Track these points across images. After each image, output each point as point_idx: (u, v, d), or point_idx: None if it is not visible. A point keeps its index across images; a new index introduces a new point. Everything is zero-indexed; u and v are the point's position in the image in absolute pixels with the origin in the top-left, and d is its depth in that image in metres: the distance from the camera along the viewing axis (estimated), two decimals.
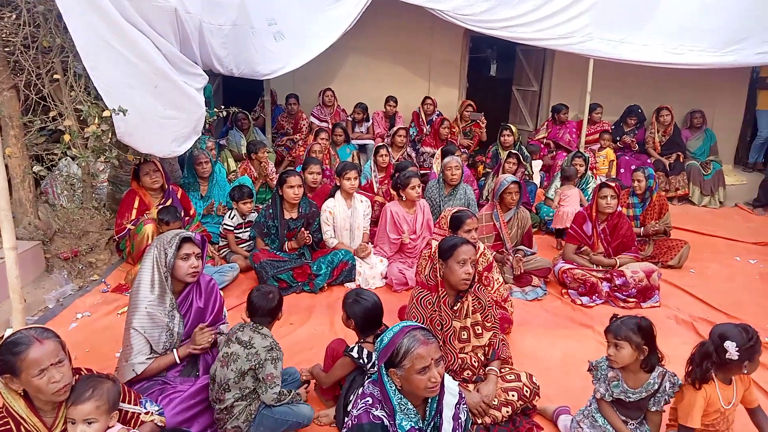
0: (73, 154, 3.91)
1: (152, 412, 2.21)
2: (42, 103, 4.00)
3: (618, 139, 7.63)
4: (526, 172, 6.64)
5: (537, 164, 7.28)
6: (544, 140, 7.86)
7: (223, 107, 5.11)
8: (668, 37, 6.47)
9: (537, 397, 2.90)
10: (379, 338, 2.17)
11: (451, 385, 2.23)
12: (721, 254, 5.39)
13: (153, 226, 4.22)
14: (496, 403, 2.73)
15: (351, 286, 4.47)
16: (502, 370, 2.91)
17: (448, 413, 2.15)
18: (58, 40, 3.88)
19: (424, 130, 7.76)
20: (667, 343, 2.87)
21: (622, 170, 7.20)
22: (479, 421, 2.69)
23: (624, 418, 2.53)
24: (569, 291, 4.42)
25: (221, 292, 3.99)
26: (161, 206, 4.38)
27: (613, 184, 4.44)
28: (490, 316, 3.00)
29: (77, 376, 2.05)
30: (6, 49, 3.89)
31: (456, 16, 6.37)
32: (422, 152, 7.25)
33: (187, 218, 4.67)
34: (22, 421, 1.95)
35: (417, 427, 2.08)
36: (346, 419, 2.13)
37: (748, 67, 7.43)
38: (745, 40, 6.49)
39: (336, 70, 8.46)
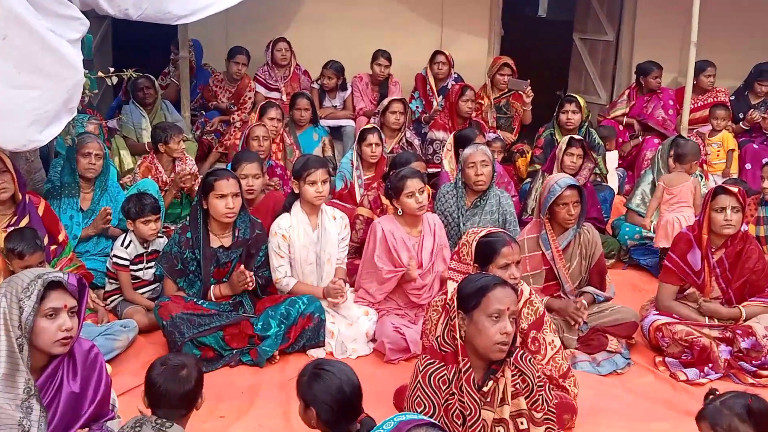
0: None
1: None
2: None
3: (742, 116, 7.72)
4: (597, 170, 6.69)
5: (613, 157, 7.34)
6: (625, 119, 7.94)
7: (112, 70, 5.11)
8: None
9: None
10: None
11: None
12: None
13: None
14: None
15: (318, 354, 4.44)
16: None
17: None
18: None
19: (435, 103, 7.80)
20: None
21: (747, 165, 7.28)
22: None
23: None
24: (667, 359, 4.40)
25: (108, 367, 3.96)
26: (11, 228, 4.34)
27: (734, 189, 4.47)
28: (540, 401, 2.98)
29: None
30: None
31: None
32: (431, 138, 7.30)
33: (53, 247, 4.64)
34: None
35: None
36: None
37: None
38: None
39: (293, 9, 8.52)
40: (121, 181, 5.97)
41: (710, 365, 4.29)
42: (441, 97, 7.72)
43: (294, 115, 7.18)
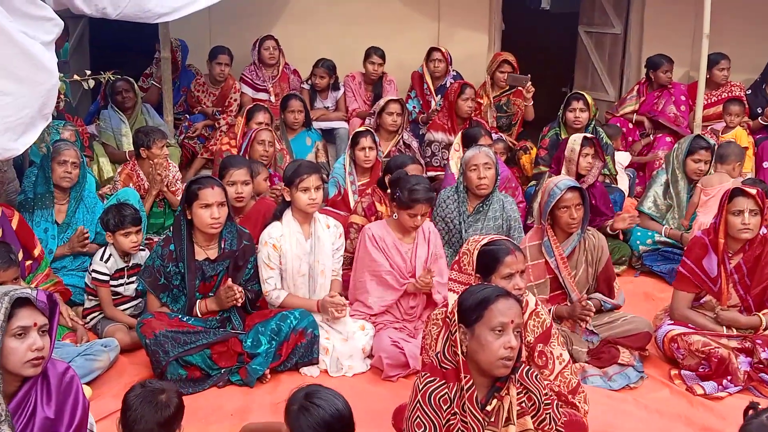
0: None
1: None
2: None
3: (760, 111, 7.71)
4: (606, 170, 6.69)
5: (623, 157, 7.35)
6: (635, 116, 7.94)
7: (89, 73, 5.09)
8: None
9: None
10: None
11: None
12: None
13: None
14: None
15: (311, 372, 4.44)
16: None
17: None
18: None
19: (432, 103, 7.80)
20: None
21: (765, 164, 7.28)
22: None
23: None
24: (683, 372, 4.39)
25: (88, 390, 3.95)
26: None
27: (752, 190, 4.47)
28: (548, 420, 2.97)
29: None
30: None
31: None
32: (429, 140, 7.30)
33: (29, 262, 4.63)
34: None
35: None
36: None
37: None
38: None
39: (280, 5, 8.52)
40: (100, 191, 5.96)
41: (729, 378, 4.26)
42: (439, 96, 7.72)
43: (287, 118, 7.17)
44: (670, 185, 6.08)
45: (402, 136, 7.13)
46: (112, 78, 5.30)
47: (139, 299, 4.86)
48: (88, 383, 4.07)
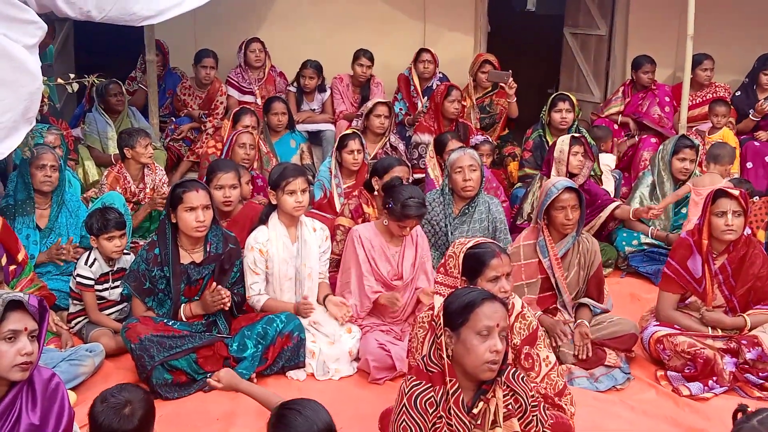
0: None
1: None
2: None
3: (749, 112, 7.67)
4: (591, 171, 6.71)
5: (608, 159, 7.36)
6: (620, 118, 7.96)
7: (72, 77, 5.09)
8: None
9: None
10: None
11: None
12: None
13: None
14: None
15: (297, 376, 4.44)
16: None
17: None
18: None
19: (419, 105, 7.81)
20: None
21: (749, 164, 7.31)
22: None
23: None
24: (668, 373, 4.40)
25: (73, 395, 3.92)
26: None
27: (736, 192, 4.49)
28: (535, 422, 2.97)
29: None
30: None
31: None
32: (416, 142, 7.31)
33: (12, 267, 4.59)
34: None
35: None
36: None
37: None
38: None
39: (266, 7, 8.51)
40: (84, 195, 5.93)
41: (715, 378, 4.28)
42: (426, 98, 7.72)
43: (271, 121, 7.18)
44: (657, 186, 6.13)
45: (389, 139, 7.14)
46: (97, 81, 5.26)
47: (124, 303, 4.84)
48: (72, 388, 4.05)
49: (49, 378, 2.87)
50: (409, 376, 3.02)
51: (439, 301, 3.11)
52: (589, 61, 9.18)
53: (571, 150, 5.93)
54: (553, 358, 3.76)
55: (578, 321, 4.52)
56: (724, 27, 8.03)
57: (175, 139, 7.56)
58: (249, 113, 6.69)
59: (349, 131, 6.35)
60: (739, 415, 2.53)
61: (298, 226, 4.77)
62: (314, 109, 8.08)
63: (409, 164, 6.84)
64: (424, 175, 6.98)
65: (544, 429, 3.03)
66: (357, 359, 4.55)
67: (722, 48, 7.94)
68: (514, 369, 3.07)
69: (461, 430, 2.88)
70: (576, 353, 4.42)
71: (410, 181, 5.41)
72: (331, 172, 6.15)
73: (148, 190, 6.09)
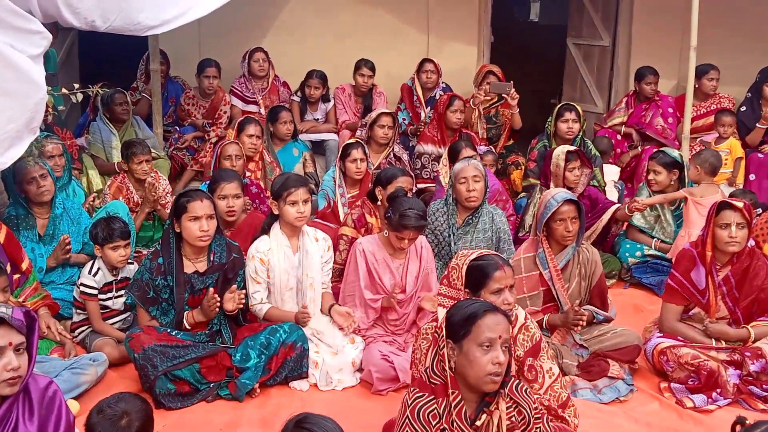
0: None
1: None
2: None
3: (757, 125, 7.66)
4: (594, 182, 6.71)
5: (612, 171, 7.36)
6: (623, 129, 7.96)
7: (77, 87, 5.09)
8: None
9: None
10: None
11: None
12: None
13: None
14: None
15: (300, 386, 4.43)
16: None
17: None
18: None
19: (422, 115, 7.82)
20: None
21: (752, 176, 7.31)
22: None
23: None
24: (672, 385, 4.40)
25: (75, 404, 3.92)
26: None
27: (739, 204, 4.48)
28: None
29: None
30: None
31: None
32: (419, 152, 7.31)
33: (17, 276, 4.59)
34: None
35: None
36: None
37: None
38: None
39: (271, 17, 8.54)
40: (87, 204, 5.92)
41: (718, 390, 4.28)
42: (429, 108, 7.74)
43: (279, 130, 7.18)
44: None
45: (393, 149, 7.15)
46: (101, 91, 5.28)
47: (128, 313, 4.84)
48: (75, 398, 4.04)
49: (45, 386, 2.86)
50: (412, 388, 3.03)
51: (442, 313, 3.10)
52: (592, 72, 9.19)
53: (566, 166, 5.92)
54: (556, 369, 3.75)
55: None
56: (728, 38, 8.04)
57: (178, 148, 7.57)
58: (253, 122, 6.69)
59: (352, 140, 6.36)
60: (738, 427, 2.54)
61: (300, 236, 4.77)
62: (318, 119, 8.09)
63: (413, 174, 6.85)
64: (427, 185, 7.01)
65: None
66: (360, 370, 4.54)
67: (725, 59, 7.94)
68: (518, 381, 3.07)
69: None
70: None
71: (414, 191, 5.40)
72: (335, 181, 6.15)
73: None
